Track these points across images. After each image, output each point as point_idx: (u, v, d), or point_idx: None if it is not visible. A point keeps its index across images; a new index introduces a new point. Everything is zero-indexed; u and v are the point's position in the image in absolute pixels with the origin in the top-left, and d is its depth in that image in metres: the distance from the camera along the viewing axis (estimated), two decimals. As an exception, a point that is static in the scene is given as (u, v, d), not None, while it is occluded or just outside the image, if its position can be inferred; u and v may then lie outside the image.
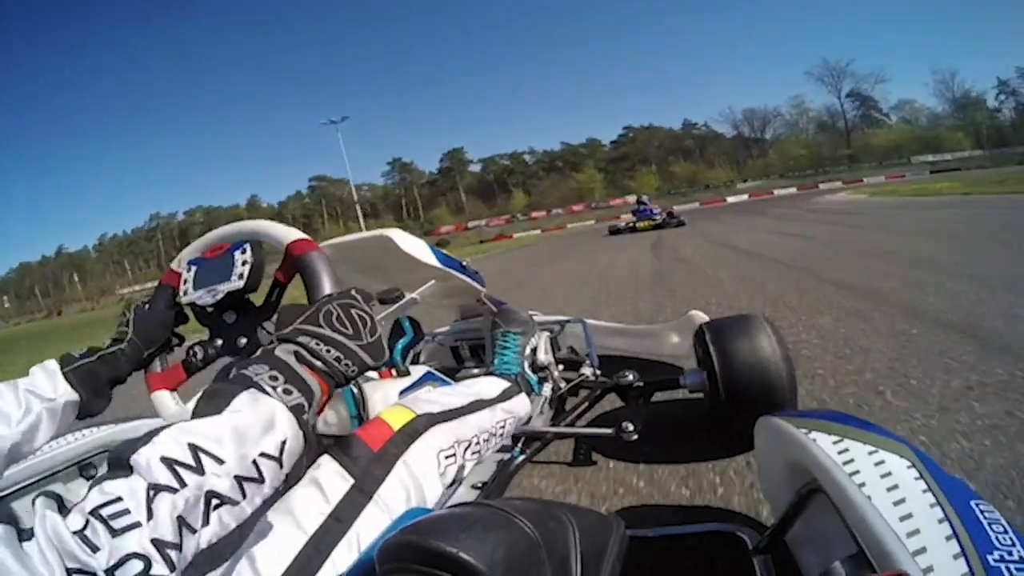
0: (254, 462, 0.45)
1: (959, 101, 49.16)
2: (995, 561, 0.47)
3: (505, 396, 0.97)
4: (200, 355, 0.89)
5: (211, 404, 0.47)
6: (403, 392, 0.97)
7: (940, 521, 0.51)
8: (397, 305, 1.21)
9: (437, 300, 1.69)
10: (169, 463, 0.40)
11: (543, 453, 1.24)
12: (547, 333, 1.42)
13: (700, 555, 0.86)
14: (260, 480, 0.45)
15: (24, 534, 0.37)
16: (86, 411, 0.76)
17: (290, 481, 0.51)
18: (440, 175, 64.74)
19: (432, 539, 0.48)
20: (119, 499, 0.38)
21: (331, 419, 0.97)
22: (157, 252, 61.78)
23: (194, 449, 0.42)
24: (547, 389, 1.27)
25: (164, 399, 0.90)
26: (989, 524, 0.50)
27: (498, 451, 1.12)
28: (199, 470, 0.41)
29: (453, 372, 1.48)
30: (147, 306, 0.89)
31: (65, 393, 0.73)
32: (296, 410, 0.51)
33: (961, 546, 0.48)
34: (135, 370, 0.85)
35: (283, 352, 0.55)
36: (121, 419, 1.14)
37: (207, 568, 0.41)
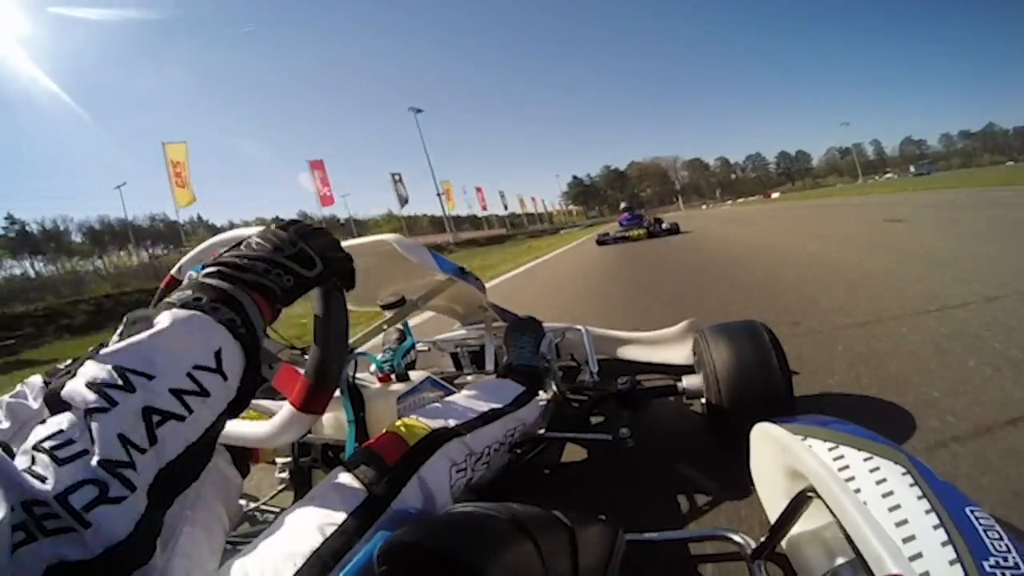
0: (189, 375, 0.44)
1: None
2: (991, 567, 0.47)
3: (517, 404, 0.98)
4: None
5: (133, 329, 0.46)
6: (402, 397, 0.97)
7: (935, 527, 0.51)
8: (398, 310, 1.22)
9: (438, 306, 1.69)
10: (97, 386, 0.39)
11: (541, 457, 1.24)
12: (550, 336, 1.43)
13: (697, 560, 0.86)
14: (203, 393, 0.44)
15: None
16: None
17: (244, 397, 0.49)
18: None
19: (432, 541, 0.49)
20: (60, 431, 0.37)
21: (328, 424, 0.97)
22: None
23: (120, 370, 0.41)
24: (548, 394, 1.28)
25: None
26: (984, 530, 0.51)
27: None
28: (128, 388, 0.40)
29: (452, 378, 1.49)
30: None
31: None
32: (228, 323, 0.49)
33: (957, 552, 0.49)
34: None
35: (207, 276, 0.53)
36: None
37: (173, 489, 0.41)
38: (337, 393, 0.88)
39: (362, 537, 0.55)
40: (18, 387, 0.77)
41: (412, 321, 1.60)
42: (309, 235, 0.62)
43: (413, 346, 1.34)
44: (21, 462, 0.36)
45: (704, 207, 61.30)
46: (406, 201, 35.50)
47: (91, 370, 0.41)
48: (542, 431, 1.17)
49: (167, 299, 0.50)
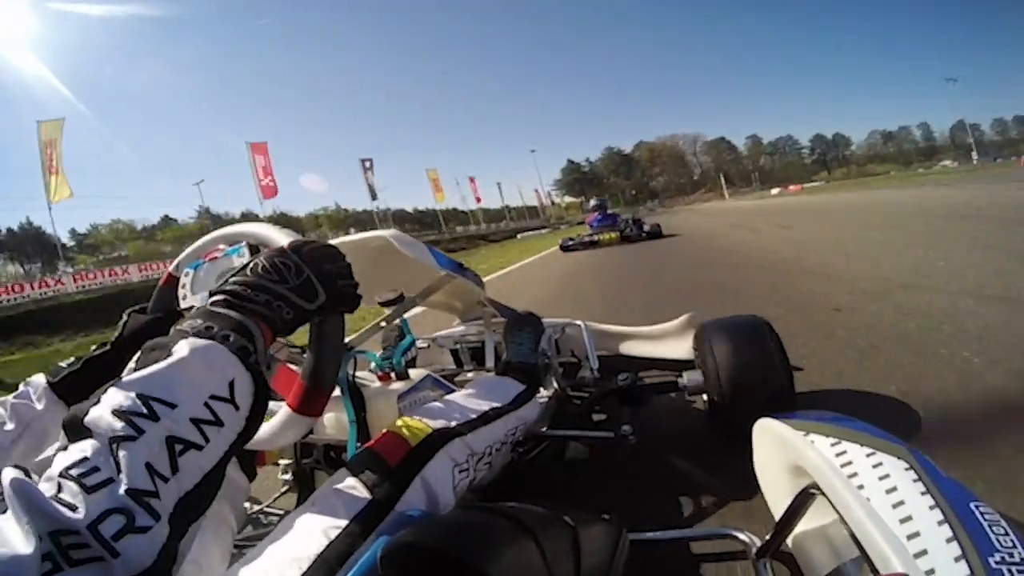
0: (206, 405, 0.45)
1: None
2: (996, 563, 0.47)
3: (518, 402, 0.98)
4: None
5: (152, 357, 0.47)
6: (403, 396, 0.97)
7: (940, 523, 0.51)
8: (397, 307, 1.21)
9: (437, 302, 1.69)
10: (122, 414, 0.40)
11: (543, 455, 1.23)
12: (549, 332, 1.42)
13: (701, 559, 0.86)
14: (219, 423, 0.45)
15: None
16: None
17: (252, 427, 0.50)
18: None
19: (435, 543, 0.48)
20: (85, 459, 0.38)
21: (329, 424, 0.97)
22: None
23: (143, 398, 0.41)
24: (549, 391, 1.28)
25: None
26: (990, 526, 0.50)
27: None
28: (153, 416, 0.41)
29: (453, 375, 1.48)
30: (143, 311, 0.90)
31: (52, 404, 0.75)
32: (240, 353, 0.50)
33: (962, 548, 0.48)
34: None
35: (215, 304, 0.54)
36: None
37: (189, 517, 0.42)
38: (337, 392, 0.88)
39: (367, 540, 0.55)
40: (21, 387, 0.77)
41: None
42: (320, 259, 0.61)
43: (413, 343, 1.33)
44: (46, 488, 0.36)
45: (774, 192, 47.09)
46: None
47: (115, 398, 0.41)
48: (544, 429, 1.16)
49: (179, 327, 0.51)
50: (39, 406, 0.74)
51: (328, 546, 0.52)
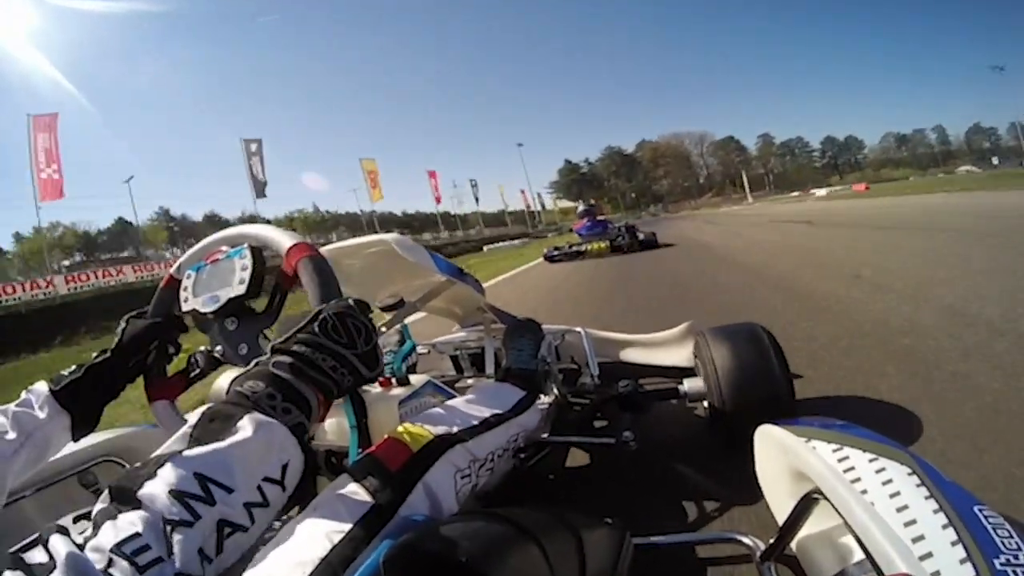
0: (258, 487, 0.46)
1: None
2: (1002, 565, 0.47)
3: (518, 409, 0.97)
4: (201, 363, 0.88)
5: (213, 429, 0.47)
6: (403, 402, 0.97)
7: (944, 527, 0.51)
8: (398, 312, 1.21)
9: (437, 307, 1.69)
10: (179, 496, 0.41)
11: (545, 461, 1.23)
12: (549, 339, 1.42)
13: (706, 563, 0.86)
14: (265, 504, 0.46)
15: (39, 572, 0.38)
16: (78, 427, 0.77)
17: (291, 501, 0.52)
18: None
19: (438, 547, 0.48)
20: (137, 534, 0.38)
21: (330, 430, 0.97)
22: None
23: (202, 479, 0.42)
24: (549, 398, 1.27)
25: (163, 409, 0.89)
26: (994, 529, 0.50)
27: None
28: (210, 500, 0.42)
29: (453, 382, 1.48)
30: (142, 315, 0.90)
31: (55, 413, 0.74)
32: (297, 430, 0.51)
33: (967, 551, 0.48)
34: (127, 381, 0.85)
35: (280, 367, 0.55)
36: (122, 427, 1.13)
37: None
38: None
39: (370, 544, 0.54)
40: (23, 395, 0.75)
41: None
42: (373, 328, 0.63)
43: (413, 349, 1.33)
44: (96, 560, 0.37)
45: (820, 192, 40.50)
46: None
47: (172, 475, 0.42)
48: (545, 435, 1.16)
49: (239, 389, 0.52)
50: (41, 415, 0.73)
51: (332, 550, 0.51)
